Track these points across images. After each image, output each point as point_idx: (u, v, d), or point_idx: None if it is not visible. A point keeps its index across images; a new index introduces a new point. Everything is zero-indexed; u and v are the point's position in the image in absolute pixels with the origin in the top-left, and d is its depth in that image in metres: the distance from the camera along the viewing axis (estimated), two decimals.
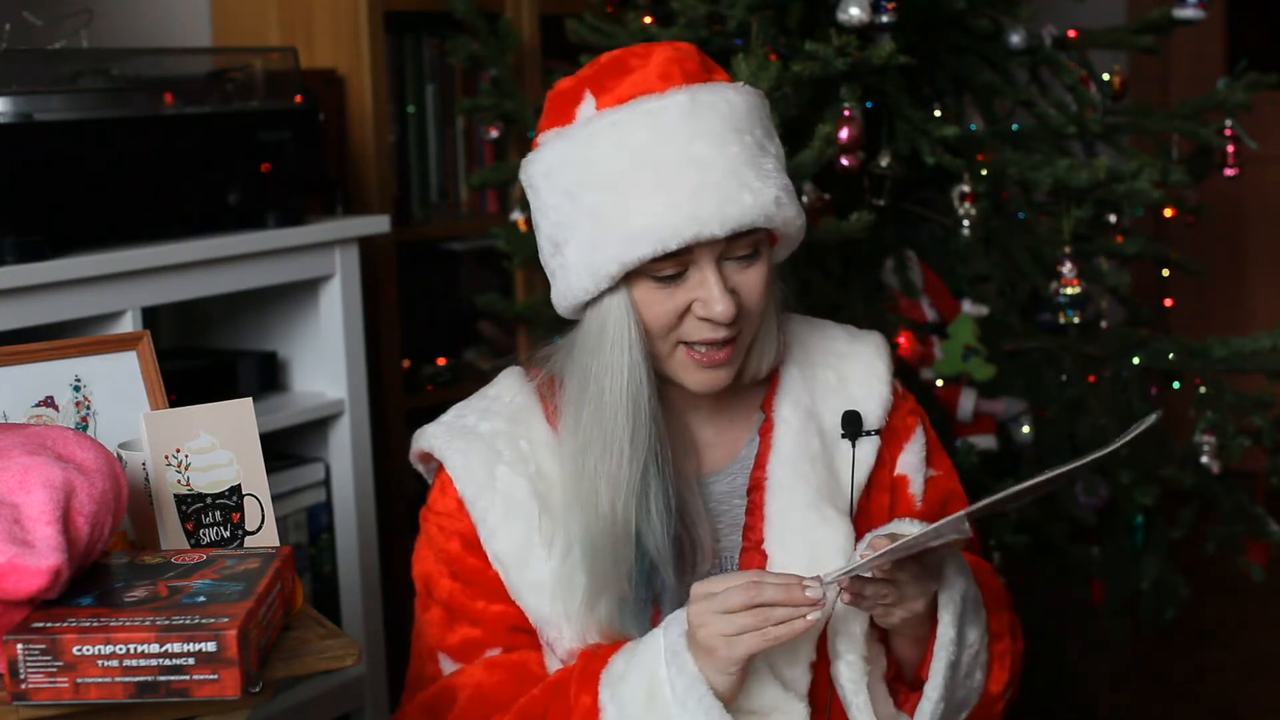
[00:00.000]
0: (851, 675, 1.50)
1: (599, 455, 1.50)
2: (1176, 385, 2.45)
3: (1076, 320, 2.35)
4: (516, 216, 2.58)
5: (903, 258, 2.51)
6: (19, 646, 1.24)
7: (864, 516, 1.60)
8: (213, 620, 1.26)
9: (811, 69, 2.19)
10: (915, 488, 1.65)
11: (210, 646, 1.25)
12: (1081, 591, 2.64)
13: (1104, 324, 2.54)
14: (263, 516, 1.53)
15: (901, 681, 1.56)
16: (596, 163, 1.48)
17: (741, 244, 1.48)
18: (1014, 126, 2.55)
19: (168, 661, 1.25)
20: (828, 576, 1.41)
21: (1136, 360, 2.42)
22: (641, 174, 1.45)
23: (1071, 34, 2.62)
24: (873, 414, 1.62)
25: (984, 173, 2.39)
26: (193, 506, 1.50)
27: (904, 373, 2.28)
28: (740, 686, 1.45)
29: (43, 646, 1.24)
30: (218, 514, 1.51)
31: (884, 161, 2.35)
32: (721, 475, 1.61)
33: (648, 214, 1.44)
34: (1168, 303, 3.05)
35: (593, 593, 1.51)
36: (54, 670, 1.25)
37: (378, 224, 2.43)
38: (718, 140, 1.47)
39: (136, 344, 1.66)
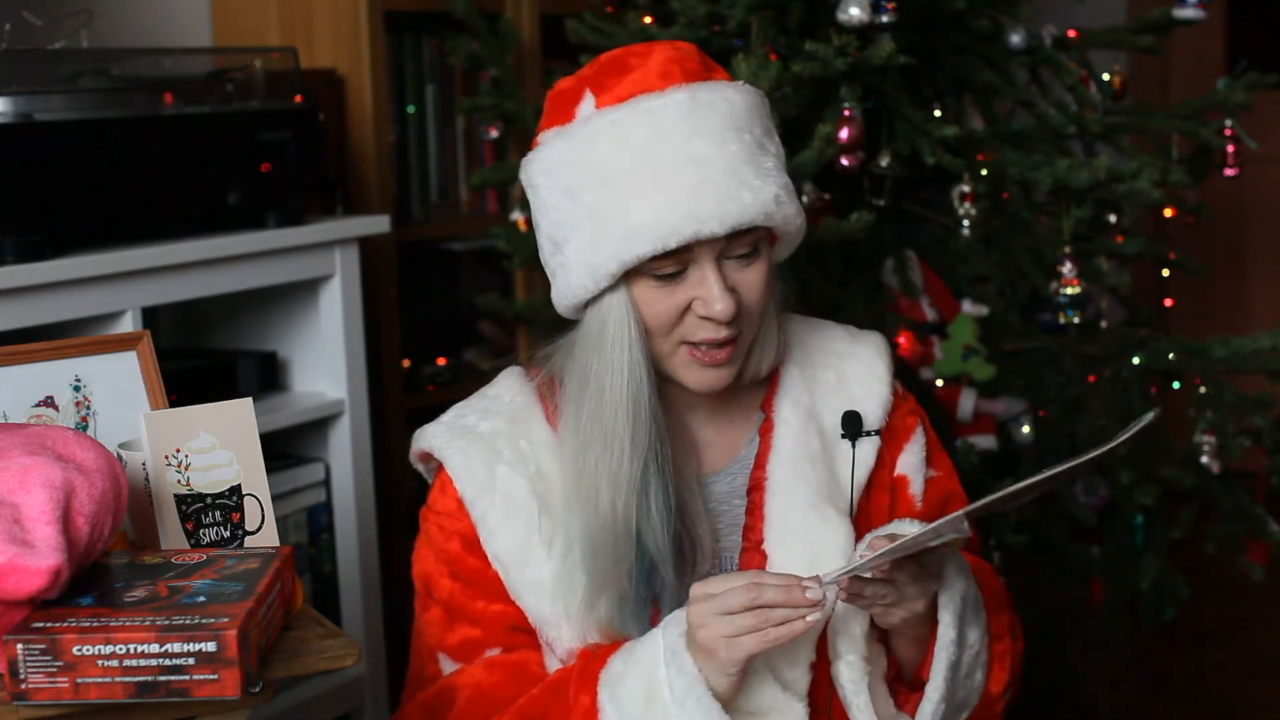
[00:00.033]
0: (852, 676, 1.50)
1: (599, 454, 1.50)
2: (1176, 385, 2.45)
3: (1076, 320, 2.35)
4: (516, 216, 2.58)
5: (903, 258, 2.51)
6: (19, 646, 1.24)
7: (864, 517, 1.60)
8: (213, 620, 1.26)
9: (811, 69, 2.19)
10: (915, 488, 1.65)
11: (210, 646, 1.25)
12: (1081, 591, 2.64)
13: (1104, 324, 2.54)
14: (263, 516, 1.53)
15: (902, 682, 1.56)
16: (596, 161, 1.48)
17: (741, 242, 1.48)
18: (1014, 126, 2.55)
19: (168, 661, 1.25)
20: (827, 577, 1.41)
21: (1136, 360, 2.42)
22: (641, 172, 1.45)
23: (1071, 34, 2.62)
24: (873, 414, 1.62)
25: (984, 173, 2.39)
26: (193, 506, 1.50)
27: (904, 373, 2.28)
28: (739, 687, 1.45)
29: (43, 646, 1.24)
30: (218, 514, 1.51)
31: (884, 161, 2.35)
32: (721, 475, 1.61)
33: (647, 212, 1.44)
34: (1168, 303, 3.05)
35: (593, 591, 1.51)
36: (54, 670, 1.25)
37: (378, 224, 2.43)
38: (717, 138, 1.47)
39: (136, 344, 1.66)
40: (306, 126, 2.30)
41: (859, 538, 1.54)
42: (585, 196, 1.48)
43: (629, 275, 1.48)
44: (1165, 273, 2.71)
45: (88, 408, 1.61)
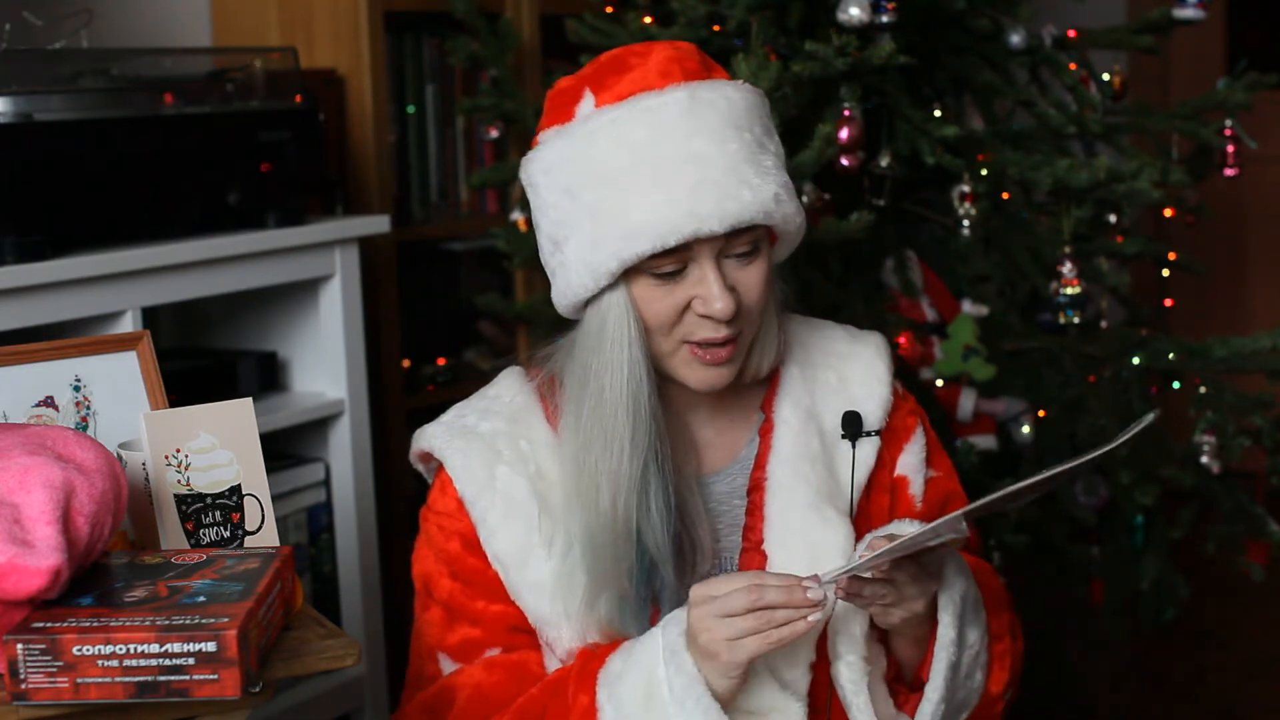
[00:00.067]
0: (852, 676, 1.50)
1: (599, 453, 1.50)
2: (1176, 385, 2.45)
3: (1076, 320, 2.35)
4: (516, 216, 2.58)
5: (903, 258, 2.51)
6: (19, 646, 1.24)
7: (864, 517, 1.60)
8: (213, 620, 1.26)
9: (811, 69, 2.19)
10: (915, 488, 1.65)
11: (210, 646, 1.25)
12: (1081, 591, 2.64)
13: (1104, 324, 2.54)
14: (263, 516, 1.53)
15: (901, 682, 1.56)
16: (596, 160, 1.48)
17: (741, 241, 1.48)
18: (1014, 126, 2.55)
19: (168, 661, 1.25)
20: (826, 576, 1.41)
21: (1136, 360, 2.42)
22: (641, 171, 1.45)
23: (1071, 34, 2.62)
24: (873, 414, 1.62)
25: (984, 173, 2.39)
26: (193, 506, 1.50)
27: (904, 373, 2.28)
28: (740, 687, 1.45)
29: (43, 646, 1.24)
30: (218, 514, 1.51)
31: (884, 161, 2.35)
32: (721, 475, 1.61)
33: (647, 210, 1.44)
34: (1168, 303, 3.05)
35: (593, 591, 1.51)
36: (54, 670, 1.25)
37: (378, 224, 2.43)
38: (717, 137, 1.47)
39: (136, 344, 1.66)
40: (306, 126, 2.30)
41: (859, 538, 1.54)
42: (585, 195, 1.48)
43: (629, 274, 1.48)
44: (1165, 273, 2.71)
45: (88, 408, 1.61)
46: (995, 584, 1.66)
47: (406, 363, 2.73)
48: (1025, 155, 2.38)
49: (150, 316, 2.12)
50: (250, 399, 1.55)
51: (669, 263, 1.47)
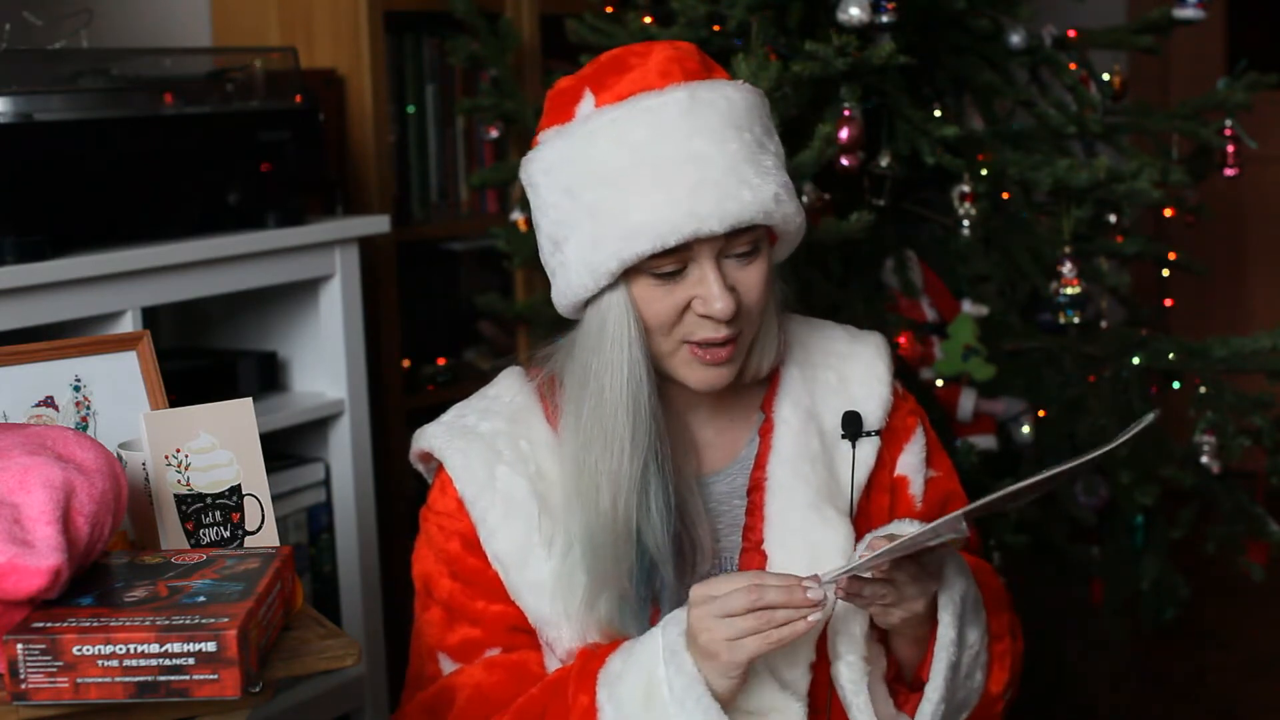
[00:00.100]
0: (852, 676, 1.50)
1: (599, 453, 1.50)
2: (1176, 385, 2.45)
3: (1076, 320, 2.35)
4: (516, 216, 2.58)
5: (903, 258, 2.51)
6: (19, 646, 1.24)
7: (864, 517, 1.60)
8: (213, 620, 1.26)
9: (811, 69, 2.19)
10: (915, 488, 1.65)
11: (210, 646, 1.25)
12: (1081, 591, 2.64)
13: (1104, 324, 2.54)
14: (263, 516, 1.53)
15: (901, 682, 1.56)
16: (596, 160, 1.48)
17: (741, 241, 1.48)
18: (1014, 126, 2.55)
19: (168, 661, 1.25)
20: (825, 576, 1.41)
21: (1136, 360, 2.42)
22: (641, 171, 1.45)
23: (1071, 34, 2.62)
24: (873, 415, 1.62)
25: (984, 173, 2.39)
26: (193, 506, 1.50)
27: (904, 373, 2.28)
28: (739, 687, 1.45)
29: (43, 646, 1.24)
30: (218, 514, 1.51)
31: (884, 161, 2.35)
32: (721, 475, 1.61)
33: (647, 210, 1.44)
34: (1168, 303, 3.05)
35: (593, 591, 1.51)
36: (54, 670, 1.25)
37: (378, 224, 2.43)
38: (717, 137, 1.47)
39: (136, 344, 1.66)
40: (306, 126, 2.30)
41: (859, 538, 1.54)
42: (585, 195, 1.48)
43: (629, 274, 1.48)
44: (1165, 273, 2.71)
45: (88, 408, 1.61)
46: (995, 584, 1.66)
47: (406, 363, 2.73)
48: (1025, 155, 2.39)
49: (150, 316, 2.12)
50: (250, 399, 1.55)
51: (669, 263, 1.47)
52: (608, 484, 1.50)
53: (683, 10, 2.32)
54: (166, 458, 1.49)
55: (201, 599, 1.31)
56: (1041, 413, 2.50)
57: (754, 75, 2.10)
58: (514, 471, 1.55)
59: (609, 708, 1.45)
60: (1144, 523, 2.52)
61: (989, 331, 2.47)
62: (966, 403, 2.47)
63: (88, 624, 1.26)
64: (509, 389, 1.63)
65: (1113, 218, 2.47)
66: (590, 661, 1.50)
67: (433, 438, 1.60)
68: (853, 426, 1.60)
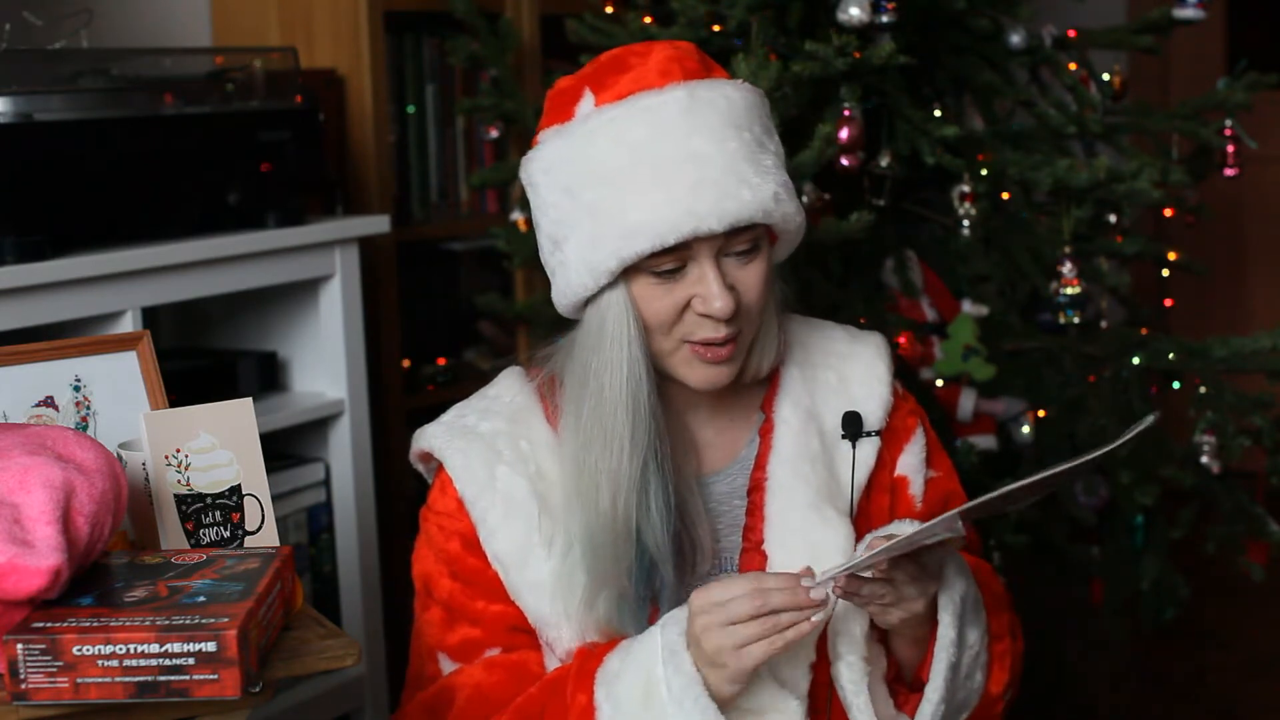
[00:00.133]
0: (852, 676, 1.50)
1: (599, 452, 1.50)
2: (1176, 385, 2.45)
3: (1076, 320, 2.35)
4: (516, 216, 2.58)
5: (903, 258, 2.51)
6: (19, 646, 1.24)
7: (864, 517, 1.60)
8: (213, 620, 1.26)
9: (811, 69, 2.19)
10: (915, 488, 1.65)
11: (210, 646, 1.25)
12: (1081, 591, 2.64)
13: (1104, 324, 2.54)
14: (263, 516, 1.53)
15: (901, 682, 1.56)
16: (595, 159, 1.48)
17: (740, 240, 1.48)
18: (1014, 126, 2.55)
19: (168, 661, 1.25)
20: (823, 574, 1.41)
21: (1136, 360, 2.42)
22: (640, 170, 1.45)
23: (1071, 34, 2.62)
24: (873, 415, 1.62)
25: (984, 173, 2.39)
26: (193, 506, 1.50)
27: (904, 373, 2.28)
28: (741, 689, 1.45)
29: (43, 646, 1.24)
30: (218, 514, 1.51)
31: (884, 161, 2.35)
32: (721, 475, 1.61)
33: (646, 209, 1.44)
34: (1168, 303, 3.05)
35: (592, 590, 1.51)
36: (54, 670, 1.25)
37: (378, 224, 2.43)
38: (716, 136, 1.47)
39: (136, 344, 1.66)
40: (306, 126, 2.30)
41: (859, 538, 1.54)
42: (584, 194, 1.48)
43: (628, 273, 1.48)
44: (1165, 273, 2.71)
45: (88, 408, 1.61)
46: (995, 584, 1.66)
47: (406, 363, 2.73)
48: (1025, 155, 2.38)
49: (150, 316, 2.12)
50: (250, 399, 1.55)
51: (668, 261, 1.47)
52: (607, 483, 1.50)
53: (683, 10, 2.32)
54: (166, 458, 1.49)
55: (201, 599, 1.31)
56: (1041, 413, 2.50)
57: (754, 75, 2.10)
58: (514, 471, 1.55)
59: (607, 707, 1.45)
60: (1144, 523, 2.52)
61: (989, 331, 2.47)
62: (966, 403, 2.47)
63: (88, 624, 1.26)
64: (509, 389, 1.63)
65: (1113, 218, 2.47)
66: (588, 661, 1.50)
67: (433, 438, 1.60)
68: (853, 427, 1.60)
